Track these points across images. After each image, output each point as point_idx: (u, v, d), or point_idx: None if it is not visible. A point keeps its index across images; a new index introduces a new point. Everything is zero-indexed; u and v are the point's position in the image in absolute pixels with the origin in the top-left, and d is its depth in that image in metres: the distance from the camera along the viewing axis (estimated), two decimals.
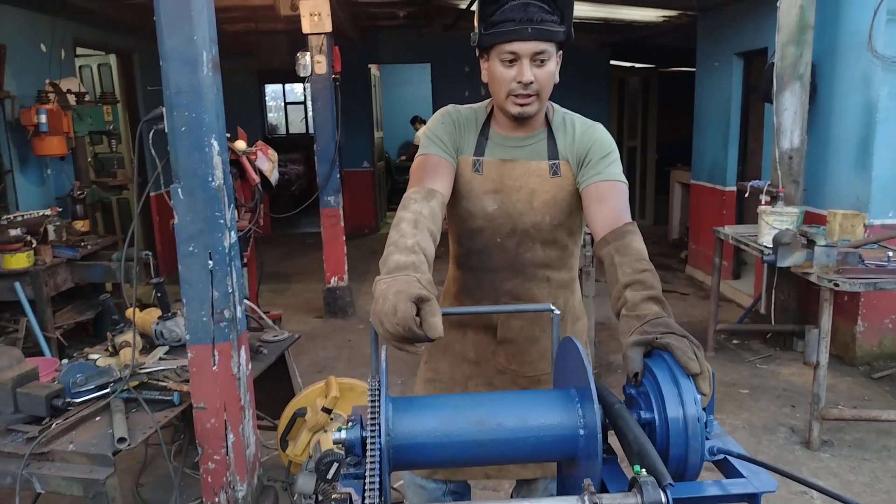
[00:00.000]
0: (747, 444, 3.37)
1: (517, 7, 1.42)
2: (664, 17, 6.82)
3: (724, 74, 6.04)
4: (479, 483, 2.40)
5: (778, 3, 4.32)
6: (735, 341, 4.90)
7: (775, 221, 3.89)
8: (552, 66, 1.47)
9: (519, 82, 1.45)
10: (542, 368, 1.67)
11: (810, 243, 3.40)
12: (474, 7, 1.53)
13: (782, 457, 3.28)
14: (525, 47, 1.42)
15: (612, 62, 9.41)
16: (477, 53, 1.54)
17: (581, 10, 6.56)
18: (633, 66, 9.89)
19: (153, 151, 2.35)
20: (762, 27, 5.20)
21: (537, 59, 1.44)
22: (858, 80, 4.19)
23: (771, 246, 3.57)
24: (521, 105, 1.48)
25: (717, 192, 6.28)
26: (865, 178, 4.16)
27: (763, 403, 3.87)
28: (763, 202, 4.28)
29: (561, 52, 1.50)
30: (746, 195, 4.91)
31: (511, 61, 1.45)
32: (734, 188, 5.98)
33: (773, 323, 4.64)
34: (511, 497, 1.85)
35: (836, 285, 3.14)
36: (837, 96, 4.39)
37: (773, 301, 4.62)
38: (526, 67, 1.44)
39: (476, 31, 1.49)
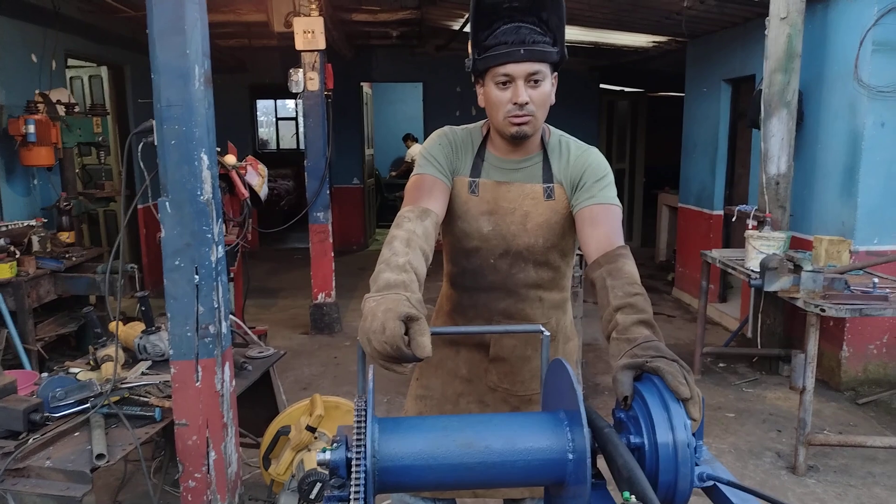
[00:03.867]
0: (733, 469, 3.36)
1: (509, 30, 1.43)
2: (654, 42, 6.91)
3: (712, 100, 6.12)
4: (465, 502, 2.37)
5: (766, 32, 4.39)
6: (721, 364, 4.91)
7: (762, 246, 3.92)
8: (547, 87, 1.47)
9: (515, 104, 1.45)
10: (534, 388, 1.66)
11: (797, 268, 3.42)
12: (468, 29, 1.53)
13: (768, 482, 3.27)
14: (518, 69, 1.43)
15: (602, 86, 9.51)
16: (472, 79, 1.55)
17: (571, 34, 6.64)
18: (622, 91, 10.00)
19: (142, 164, 2.34)
20: (750, 54, 5.28)
21: (531, 80, 1.45)
22: (844, 109, 4.25)
23: (758, 270, 3.59)
24: (518, 125, 1.48)
25: (704, 215, 6.33)
26: (851, 204, 4.21)
27: (749, 427, 3.87)
28: (750, 227, 4.31)
29: (556, 73, 1.51)
30: (733, 219, 4.95)
31: (505, 83, 1.45)
32: (721, 212, 6.03)
33: (759, 347, 4.66)
34: None
35: (823, 311, 3.16)
36: (824, 124, 4.45)
37: (759, 325, 4.64)
38: (521, 88, 1.44)
39: (470, 56, 1.49)
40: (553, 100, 1.52)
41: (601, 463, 1.05)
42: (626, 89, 10.02)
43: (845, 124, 4.25)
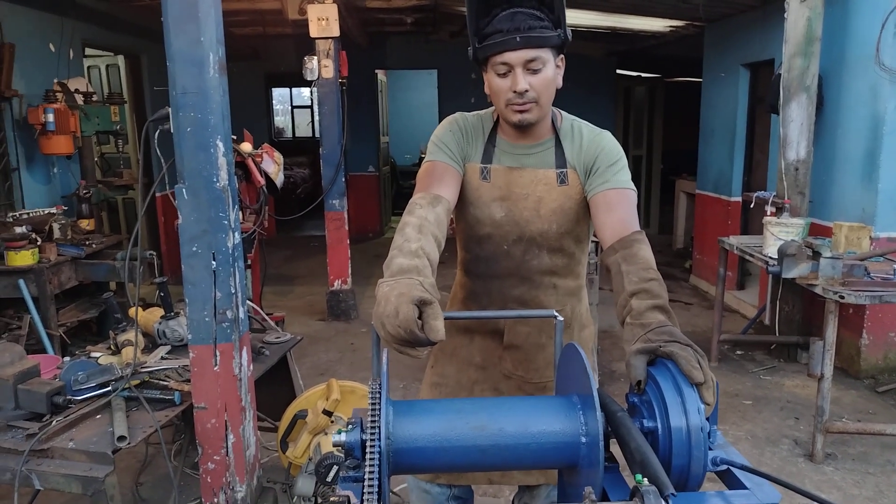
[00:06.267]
0: (750, 456, 3.35)
1: (505, 17, 1.41)
2: (671, 27, 6.82)
3: (730, 85, 6.04)
4: (479, 489, 2.39)
5: (785, 15, 4.32)
6: (739, 352, 4.88)
7: (780, 232, 3.87)
8: (549, 72, 1.45)
9: (515, 91, 1.44)
10: (548, 375, 1.66)
11: (816, 255, 3.38)
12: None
13: (785, 469, 3.26)
14: (515, 56, 1.41)
15: (619, 71, 9.42)
16: (477, 66, 1.54)
17: (588, 19, 6.57)
18: (639, 76, 9.89)
19: (159, 152, 2.36)
20: (769, 38, 5.20)
21: (530, 67, 1.43)
22: (865, 93, 4.18)
23: (776, 257, 3.56)
24: (521, 112, 1.47)
25: (722, 202, 6.27)
26: (871, 190, 4.15)
27: (766, 415, 3.85)
28: (768, 213, 4.26)
29: (561, 56, 1.49)
30: (752, 206, 4.90)
31: (505, 72, 1.44)
32: (739, 199, 5.96)
33: (777, 334, 4.62)
34: (512, 503, 1.84)
35: (842, 297, 3.13)
36: (844, 108, 4.38)
37: (777, 312, 4.60)
38: (519, 76, 1.43)
39: (471, 45, 1.49)
40: (560, 83, 1.50)
41: (614, 447, 1.05)
42: (644, 75, 9.91)
43: (866, 109, 4.18)
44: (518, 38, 1.40)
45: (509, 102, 1.46)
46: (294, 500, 2.54)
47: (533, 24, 1.40)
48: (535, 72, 1.43)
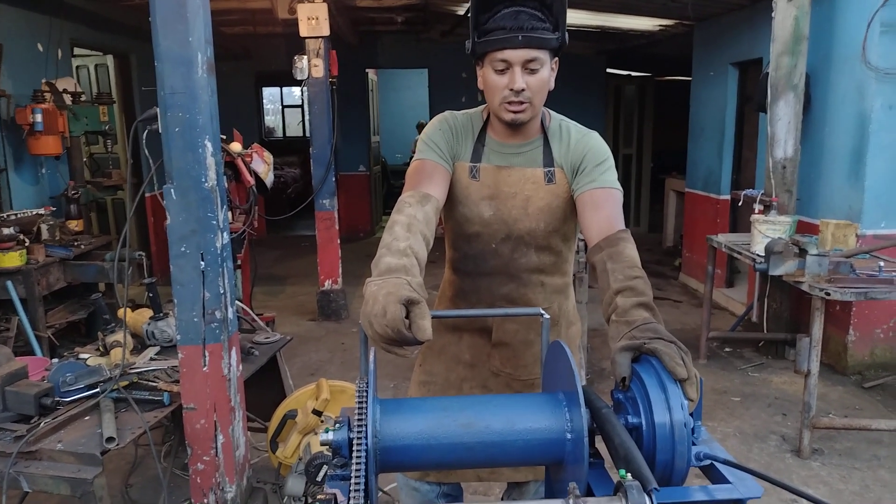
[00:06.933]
0: (738, 452, 3.38)
1: (508, 15, 1.42)
2: (660, 26, 6.86)
3: (719, 84, 6.08)
4: (469, 486, 2.40)
5: (773, 14, 4.35)
6: (727, 349, 4.91)
7: (768, 230, 3.90)
8: (545, 74, 1.47)
9: (511, 90, 1.45)
10: (536, 372, 1.68)
11: (802, 252, 3.41)
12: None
13: (773, 465, 3.29)
14: (516, 55, 1.43)
15: (609, 70, 9.45)
16: (473, 61, 1.55)
17: (577, 18, 6.59)
18: (629, 75, 9.93)
19: (147, 152, 2.36)
20: (757, 37, 5.24)
21: (529, 67, 1.44)
22: (852, 91, 4.22)
23: (763, 254, 3.59)
24: (514, 112, 1.48)
25: (711, 200, 6.30)
26: (858, 188, 4.18)
27: (754, 411, 3.88)
28: (756, 211, 4.30)
29: (556, 58, 1.50)
30: (740, 204, 4.93)
31: (503, 70, 1.45)
32: (728, 197, 6.00)
33: (765, 331, 4.66)
34: (502, 499, 1.85)
35: (828, 294, 3.16)
36: (831, 107, 4.42)
37: (765, 309, 4.63)
38: (517, 75, 1.44)
39: (470, 38, 1.49)
40: (552, 85, 1.51)
41: (600, 443, 1.06)
42: (634, 73, 9.95)
43: (853, 107, 4.22)
44: (520, 38, 1.41)
45: (504, 100, 1.47)
46: (284, 501, 2.54)
47: (535, 25, 1.42)
48: (533, 72, 1.45)
